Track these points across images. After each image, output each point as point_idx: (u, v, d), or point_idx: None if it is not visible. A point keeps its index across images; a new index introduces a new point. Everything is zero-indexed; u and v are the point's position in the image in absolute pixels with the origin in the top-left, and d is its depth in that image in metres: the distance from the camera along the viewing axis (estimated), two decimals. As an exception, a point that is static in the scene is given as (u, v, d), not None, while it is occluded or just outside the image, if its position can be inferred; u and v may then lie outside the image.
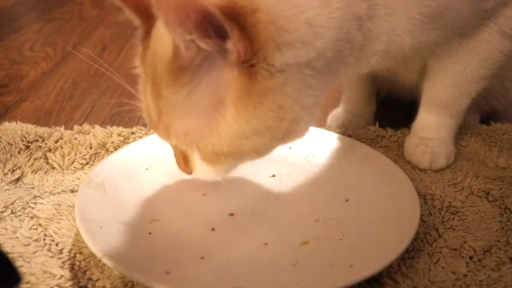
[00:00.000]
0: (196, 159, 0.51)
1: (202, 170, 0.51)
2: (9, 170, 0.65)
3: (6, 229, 0.54)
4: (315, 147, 0.68)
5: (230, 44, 0.40)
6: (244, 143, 0.46)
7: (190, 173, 0.54)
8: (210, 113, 0.44)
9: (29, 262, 0.49)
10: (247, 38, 0.40)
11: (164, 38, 0.43)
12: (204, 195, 0.59)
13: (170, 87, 0.44)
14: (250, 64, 0.42)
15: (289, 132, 0.47)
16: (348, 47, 0.47)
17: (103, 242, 0.48)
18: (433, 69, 0.64)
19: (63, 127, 0.75)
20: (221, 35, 0.40)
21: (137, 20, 0.48)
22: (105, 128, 0.75)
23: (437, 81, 0.65)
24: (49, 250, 0.51)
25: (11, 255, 0.48)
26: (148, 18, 0.46)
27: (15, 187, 0.62)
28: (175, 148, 0.53)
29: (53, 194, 0.60)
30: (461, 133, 0.74)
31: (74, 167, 0.67)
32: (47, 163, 0.68)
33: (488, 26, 0.58)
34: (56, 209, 0.57)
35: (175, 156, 0.54)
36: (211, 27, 0.39)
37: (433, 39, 0.54)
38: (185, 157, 0.52)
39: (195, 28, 0.38)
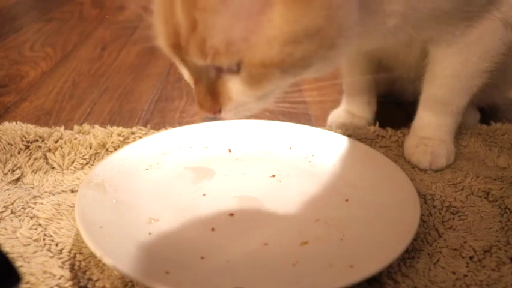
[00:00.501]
0: (233, 87, 0.46)
1: (240, 99, 0.46)
2: (9, 170, 0.65)
3: (6, 229, 0.54)
4: (315, 147, 0.68)
5: None
6: (295, 49, 0.42)
7: (216, 110, 0.48)
8: (256, 15, 0.40)
9: (29, 262, 0.49)
10: None
11: None
12: (204, 195, 0.59)
13: None
14: None
15: (334, 43, 0.43)
16: None
17: (103, 242, 0.48)
18: (434, 61, 0.63)
19: (63, 127, 0.75)
20: None
21: None
22: (105, 128, 0.75)
23: (438, 73, 0.64)
24: (49, 250, 0.51)
25: (11, 255, 0.48)
26: None
27: (15, 187, 0.62)
28: (199, 80, 0.47)
29: (53, 194, 0.60)
30: (461, 133, 0.74)
31: (74, 167, 0.67)
32: (47, 163, 0.68)
33: (492, 14, 0.58)
34: (56, 209, 0.57)
35: (199, 91, 0.48)
36: None
37: (445, 8, 0.53)
38: (213, 90, 0.47)
39: None
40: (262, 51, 0.41)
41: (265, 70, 0.43)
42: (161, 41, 0.45)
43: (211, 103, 0.47)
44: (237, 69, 0.44)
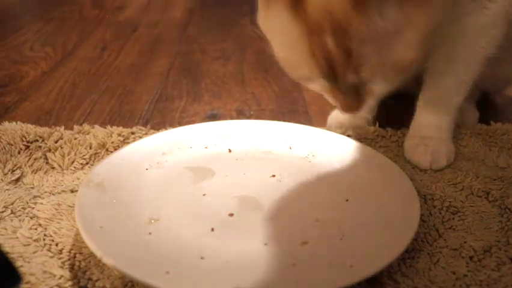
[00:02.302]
0: (376, 86, 0.55)
1: (381, 90, 0.56)
2: (9, 170, 0.65)
3: (6, 229, 0.54)
4: (315, 147, 0.68)
5: None
6: (425, 42, 0.51)
7: (359, 108, 0.57)
8: (398, 30, 0.49)
9: (29, 262, 0.49)
10: None
11: None
12: (204, 195, 0.59)
13: (361, 24, 0.47)
14: None
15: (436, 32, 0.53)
16: None
17: (103, 242, 0.48)
18: (440, 45, 0.63)
19: (63, 127, 0.75)
20: None
21: None
22: (105, 128, 0.75)
23: (443, 58, 0.64)
24: (49, 250, 0.51)
25: (11, 255, 0.48)
26: None
27: (15, 187, 0.62)
28: (344, 93, 0.56)
29: (53, 194, 0.60)
30: (461, 133, 0.74)
31: (74, 167, 0.67)
32: (47, 163, 0.68)
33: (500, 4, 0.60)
34: (56, 209, 0.57)
35: (345, 102, 0.56)
36: None
37: None
38: (356, 94, 0.56)
39: None
40: (407, 55, 0.51)
41: (410, 66, 0.53)
42: (309, 72, 0.54)
43: (356, 103, 0.57)
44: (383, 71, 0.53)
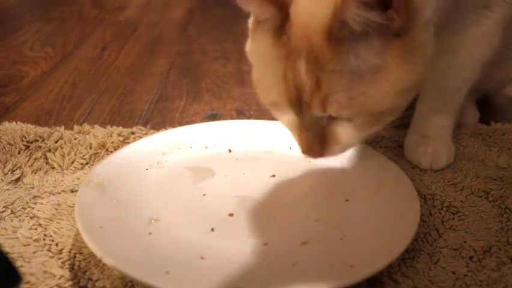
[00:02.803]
0: (344, 131, 0.53)
1: (347, 142, 0.54)
2: (9, 170, 0.65)
3: (6, 229, 0.54)
4: (315, 147, 0.68)
5: (393, 13, 0.44)
6: (404, 96, 0.50)
7: (321, 154, 0.54)
8: (374, 75, 0.47)
9: (29, 262, 0.49)
10: (406, 4, 0.45)
11: (316, 10, 0.46)
12: (204, 195, 0.59)
13: (332, 57, 0.46)
14: (407, 26, 0.46)
15: (426, 78, 0.52)
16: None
17: (103, 242, 0.48)
18: (441, 51, 0.63)
19: (63, 127, 0.75)
20: (384, 6, 0.44)
21: (271, 11, 0.49)
22: (105, 128, 0.75)
23: (443, 63, 0.63)
24: (49, 250, 0.51)
25: (11, 255, 0.48)
26: (281, 6, 0.48)
27: (15, 187, 0.62)
28: (309, 130, 0.53)
29: (53, 194, 0.60)
30: (461, 133, 0.74)
31: (74, 167, 0.67)
32: (47, 163, 0.68)
33: (503, 5, 0.60)
34: (56, 209, 0.57)
35: (307, 139, 0.54)
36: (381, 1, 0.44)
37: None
38: (321, 136, 0.53)
39: (372, 2, 0.43)
40: (379, 102, 0.49)
41: (379, 117, 0.51)
42: (278, 96, 0.52)
43: (319, 147, 0.54)
44: (348, 118, 0.51)
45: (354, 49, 0.47)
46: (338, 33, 0.45)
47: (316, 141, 0.54)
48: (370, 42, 0.47)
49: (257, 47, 0.53)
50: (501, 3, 0.59)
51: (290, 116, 0.54)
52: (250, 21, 0.55)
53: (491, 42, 0.62)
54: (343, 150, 0.56)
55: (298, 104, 0.50)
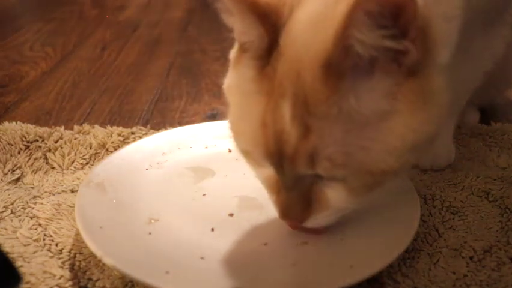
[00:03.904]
0: (333, 195, 0.43)
1: (339, 206, 0.44)
2: (9, 170, 0.65)
3: (6, 229, 0.54)
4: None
5: (408, 42, 0.36)
6: (414, 154, 0.40)
7: (304, 220, 0.45)
8: (378, 124, 0.38)
9: (29, 262, 0.49)
10: (423, 35, 0.38)
11: (312, 40, 0.38)
12: (204, 195, 0.59)
13: (329, 96, 0.37)
14: (425, 65, 0.39)
15: (440, 132, 0.43)
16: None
17: (103, 242, 0.48)
18: None
19: (63, 127, 0.75)
20: (399, 34, 0.36)
21: (258, 31, 0.40)
22: (105, 128, 0.75)
23: None
24: (49, 250, 0.51)
25: (11, 255, 0.48)
26: (271, 27, 0.39)
27: (15, 187, 0.62)
28: (291, 189, 0.44)
29: (53, 194, 0.60)
30: (461, 133, 0.74)
31: (74, 167, 0.67)
32: (47, 163, 0.68)
33: (504, 19, 0.59)
34: (56, 209, 0.57)
35: (286, 201, 0.44)
36: (397, 24, 0.36)
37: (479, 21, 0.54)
38: (306, 199, 0.44)
39: (389, 24, 0.35)
40: (383, 159, 0.39)
41: (382, 177, 0.41)
42: (252, 145, 0.42)
43: (301, 211, 0.44)
44: (341, 177, 0.41)
45: (355, 88, 0.37)
46: (338, 65, 0.36)
47: (298, 204, 0.44)
48: (377, 80, 0.38)
49: (236, 81, 0.44)
50: (504, 21, 0.59)
51: (267, 171, 0.45)
52: (232, 51, 0.45)
53: (494, 54, 0.61)
54: (331, 218, 0.46)
55: (278, 157, 0.41)
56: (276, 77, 0.39)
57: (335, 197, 0.43)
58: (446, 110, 0.42)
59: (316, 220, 0.45)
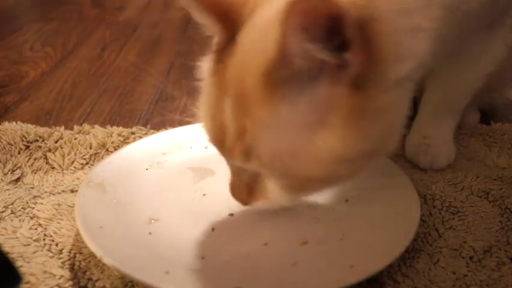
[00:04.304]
0: (270, 187, 0.46)
1: (275, 199, 0.47)
2: (9, 170, 0.65)
3: (6, 229, 0.54)
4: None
5: (350, 56, 0.36)
6: (344, 167, 0.41)
7: (248, 203, 0.49)
8: (308, 134, 0.39)
9: (29, 262, 0.49)
10: (368, 50, 0.37)
11: (259, 46, 0.39)
12: (204, 195, 0.59)
13: (264, 103, 0.39)
14: (367, 79, 0.38)
15: (388, 151, 0.43)
16: (436, 49, 0.43)
17: (103, 242, 0.48)
18: (444, 69, 0.63)
19: (63, 127, 0.75)
20: (340, 47, 0.36)
21: (216, 27, 0.43)
22: (105, 128, 0.75)
23: (446, 80, 0.64)
24: (49, 250, 0.51)
25: (11, 255, 0.48)
26: (229, 25, 0.41)
27: (15, 187, 0.62)
28: (237, 175, 0.48)
29: (53, 194, 0.60)
30: (461, 133, 0.74)
31: (74, 167, 0.67)
32: (47, 163, 0.68)
33: (504, 21, 0.58)
34: (56, 209, 0.57)
35: (235, 183, 0.49)
36: (334, 37, 0.35)
37: (475, 28, 0.53)
38: (249, 186, 0.47)
39: (322, 37, 0.35)
40: (309, 167, 0.41)
41: (308, 183, 0.43)
42: (207, 133, 0.46)
43: (246, 196, 0.48)
44: (271, 175, 0.44)
45: (291, 97, 0.38)
46: (277, 74, 0.37)
47: (242, 188, 0.48)
48: (313, 91, 0.38)
49: (205, 70, 0.46)
50: (504, 23, 0.58)
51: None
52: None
53: (495, 56, 0.61)
54: (274, 206, 0.48)
55: (220, 148, 0.44)
56: (225, 74, 0.41)
57: (272, 190, 0.46)
58: (396, 128, 0.42)
59: (259, 206, 0.49)
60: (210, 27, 0.43)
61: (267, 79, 0.38)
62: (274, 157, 0.41)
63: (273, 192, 0.46)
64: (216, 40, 0.43)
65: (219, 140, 0.44)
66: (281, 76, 0.37)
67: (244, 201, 0.49)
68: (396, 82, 0.40)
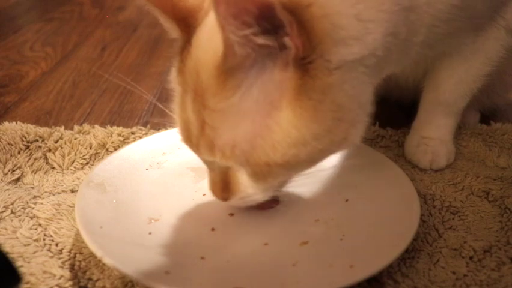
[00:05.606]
0: (241, 179, 0.47)
1: (248, 191, 0.48)
2: (9, 170, 0.65)
3: (6, 229, 0.54)
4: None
5: (288, 40, 0.38)
6: (301, 151, 0.42)
7: (226, 199, 0.50)
8: (263, 119, 0.41)
9: (29, 262, 0.49)
10: (304, 33, 0.38)
11: (210, 42, 0.41)
12: (204, 195, 0.59)
13: (218, 93, 0.41)
14: (308, 61, 0.39)
15: (347, 135, 0.44)
16: (395, 42, 0.45)
17: (103, 242, 0.48)
18: (439, 69, 0.64)
19: (63, 127, 0.75)
20: (276, 31, 0.38)
21: (176, 30, 0.46)
22: (105, 128, 0.75)
23: (441, 81, 0.65)
24: (49, 250, 0.51)
25: (11, 255, 0.48)
26: (187, 28, 0.44)
27: (15, 187, 0.62)
28: (212, 170, 0.49)
29: (53, 194, 0.60)
30: (461, 133, 0.74)
31: (74, 167, 0.67)
32: (47, 163, 0.68)
33: (497, 22, 0.58)
34: (56, 209, 0.57)
35: (211, 180, 0.50)
36: (267, 22, 0.37)
37: (456, 30, 0.53)
38: (224, 180, 0.49)
39: (253, 22, 0.37)
40: (267, 153, 0.42)
41: (269, 169, 0.44)
42: (179, 131, 0.47)
43: (222, 191, 0.49)
44: (236, 166, 0.46)
45: (243, 84, 0.40)
46: (226, 63, 0.39)
47: (218, 184, 0.49)
48: (262, 77, 0.40)
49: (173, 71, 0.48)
50: (497, 24, 0.59)
51: None
52: None
53: (490, 57, 0.61)
54: (247, 201, 0.49)
55: (189, 144, 0.46)
56: (185, 73, 0.44)
57: (242, 181, 0.47)
58: (350, 113, 0.43)
59: (236, 202, 0.49)
60: (172, 31, 0.46)
61: (218, 71, 0.40)
62: (234, 146, 0.42)
63: (244, 184, 0.47)
64: (177, 43, 0.46)
65: (187, 136, 0.45)
66: (230, 66, 0.39)
67: (222, 198, 0.50)
68: (340, 64, 0.41)
